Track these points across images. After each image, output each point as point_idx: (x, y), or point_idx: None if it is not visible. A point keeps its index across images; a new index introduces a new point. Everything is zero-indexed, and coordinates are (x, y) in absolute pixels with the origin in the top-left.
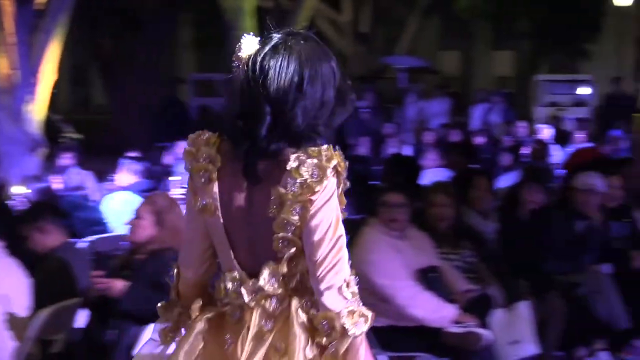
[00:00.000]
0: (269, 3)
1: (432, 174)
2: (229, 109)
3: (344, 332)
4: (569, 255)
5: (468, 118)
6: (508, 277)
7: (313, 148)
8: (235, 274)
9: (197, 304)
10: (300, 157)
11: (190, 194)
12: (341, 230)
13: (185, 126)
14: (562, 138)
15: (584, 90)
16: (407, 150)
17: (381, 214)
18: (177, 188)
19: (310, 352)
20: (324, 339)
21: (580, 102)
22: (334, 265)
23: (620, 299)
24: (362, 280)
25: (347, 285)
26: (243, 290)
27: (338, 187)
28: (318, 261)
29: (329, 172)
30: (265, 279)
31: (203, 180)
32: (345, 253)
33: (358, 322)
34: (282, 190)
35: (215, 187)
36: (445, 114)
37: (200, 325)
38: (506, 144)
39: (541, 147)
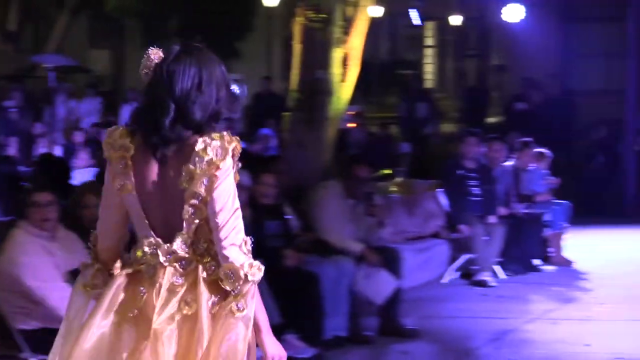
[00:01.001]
0: None
1: (83, 173)
2: (141, 107)
3: (246, 279)
4: None
5: (119, 117)
6: None
7: (216, 133)
8: (152, 239)
9: (118, 264)
10: (206, 141)
11: (109, 177)
12: (237, 201)
13: None
14: None
15: (235, 89)
16: (58, 150)
17: (31, 214)
18: None
19: (212, 306)
20: (229, 285)
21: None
22: (234, 227)
23: (272, 295)
24: (13, 283)
25: (245, 244)
26: (159, 252)
27: (233, 167)
28: (221, 224)
29: (229, 152)
30: (177, 244)
31: (121, 165)
32: (241, 219)
33: (256, 272)
34: (191, 167)
35: (131, 170)
36: (97, 113)
37: (120, 279)
38: None
39: None
